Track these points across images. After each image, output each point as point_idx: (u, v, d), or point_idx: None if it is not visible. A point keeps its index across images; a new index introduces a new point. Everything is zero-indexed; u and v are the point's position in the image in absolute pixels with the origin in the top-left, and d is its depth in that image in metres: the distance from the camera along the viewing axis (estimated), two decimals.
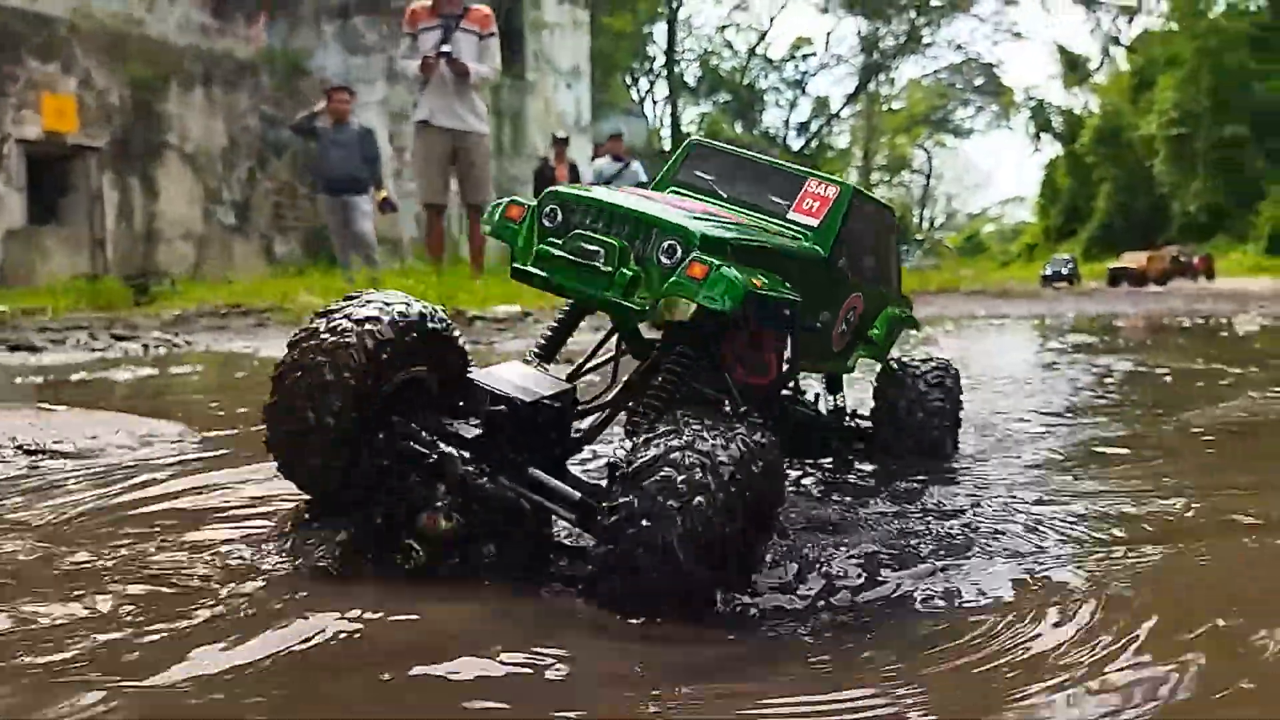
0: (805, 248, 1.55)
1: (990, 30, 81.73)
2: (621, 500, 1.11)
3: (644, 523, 1.09)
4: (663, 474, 1.10)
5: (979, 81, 66.27)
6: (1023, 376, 4.28)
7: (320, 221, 23.30)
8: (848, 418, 2.10)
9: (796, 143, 64.23)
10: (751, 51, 63.51)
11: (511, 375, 1.36)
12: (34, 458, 2.24)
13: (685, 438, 1.14)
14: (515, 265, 1.38)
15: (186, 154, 20.26)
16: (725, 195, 1.65)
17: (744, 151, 1.70)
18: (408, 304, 1.35)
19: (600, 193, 1.38)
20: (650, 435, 1.17)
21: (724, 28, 63.20)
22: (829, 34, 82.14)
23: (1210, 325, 7.88)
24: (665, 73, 60.30)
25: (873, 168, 72.08)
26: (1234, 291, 17.85)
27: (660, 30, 58.96)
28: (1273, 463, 2.41)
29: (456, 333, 1.41)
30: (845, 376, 1.97)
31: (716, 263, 1.25)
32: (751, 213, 1.61)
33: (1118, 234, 40.83)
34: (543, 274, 1.35)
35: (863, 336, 1.78)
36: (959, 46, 64.91)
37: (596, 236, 1.32)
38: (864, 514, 1.70)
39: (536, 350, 1.55)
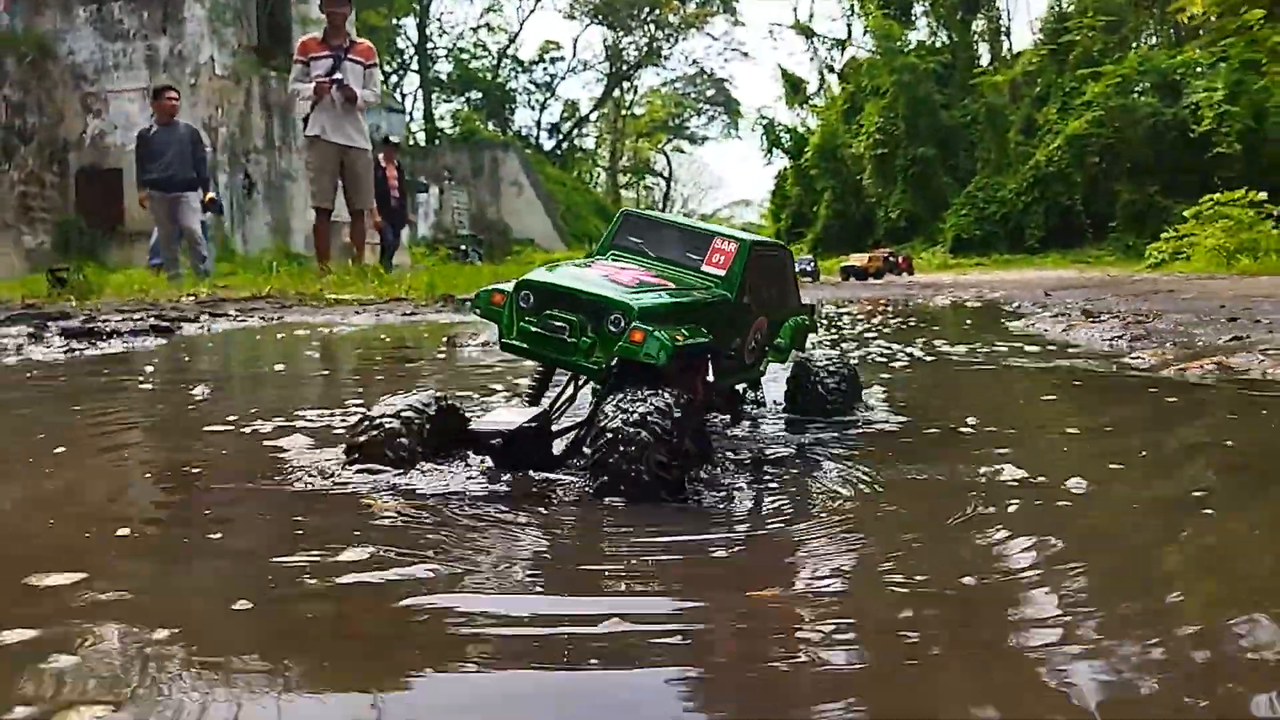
0: (716, 294, 1.96)
1: (721, 48, 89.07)
2: (599, 426, 1.61)
3: (621, 438, 1.56)
4: (623, 415, 1.58)
5: (710, 93, 71.77)
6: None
7: (72, 212, 22.10)
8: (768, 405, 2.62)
9: (548, 143, 66.14)
10: (502, 53, 64.68)
11: (498, 418, 1.79)
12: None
13: (634, 397, 1.62)
14: (503, 340, 1.80)
15: None
16: (652, 255, 2.06)
17: (664, 217, 2.15)
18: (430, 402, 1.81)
19: (562, 279, 1.78)
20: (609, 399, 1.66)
21: (476, 28, 63.85)
22: (575, 39, 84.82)
23: (921, 303, 10.69)
24: (417, 68, 60.22)
25: (619, 169, 75.75)
26: (930, 283, 22.33)
27: (411, 25, 58.80)
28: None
29: (458, 408, 1.86)
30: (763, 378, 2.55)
31: (650, 329, 1.65)
32: (674, 268, 2.02)
33: (836, 236, 46.63)
34: (525, 345, 1.77)
35: (771, 347, 2.29)
36: (694, 61, 70.09)
37: (561, 315, 1.73)
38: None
39: (526, 398, 2.02)
